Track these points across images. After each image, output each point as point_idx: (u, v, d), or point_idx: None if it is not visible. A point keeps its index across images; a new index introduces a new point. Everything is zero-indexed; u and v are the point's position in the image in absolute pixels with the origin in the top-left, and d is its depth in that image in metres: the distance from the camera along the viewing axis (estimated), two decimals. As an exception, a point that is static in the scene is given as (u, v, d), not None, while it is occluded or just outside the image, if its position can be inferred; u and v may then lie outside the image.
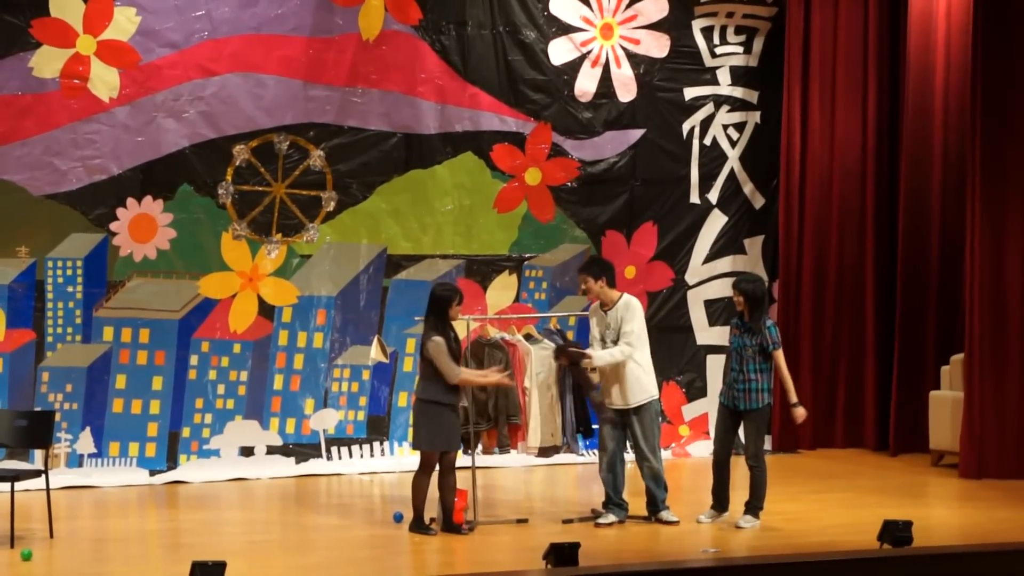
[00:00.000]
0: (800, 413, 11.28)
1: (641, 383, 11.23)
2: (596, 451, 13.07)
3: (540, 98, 14.44)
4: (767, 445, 14.81)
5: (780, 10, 15.10)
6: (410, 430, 11.72)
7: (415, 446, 11.35)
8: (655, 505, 11.36)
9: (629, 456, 11.52)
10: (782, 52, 15.02)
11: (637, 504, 11.45)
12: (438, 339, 10.93)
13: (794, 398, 11.27)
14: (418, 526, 11.05)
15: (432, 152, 14.17)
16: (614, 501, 11.36)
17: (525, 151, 14.43)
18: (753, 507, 11.30)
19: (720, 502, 11.38)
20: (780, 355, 11.24)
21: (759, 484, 11.27)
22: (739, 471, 11.53)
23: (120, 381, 13.35)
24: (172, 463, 13.44)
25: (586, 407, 11.82)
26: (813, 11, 14.98)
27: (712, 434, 11.66)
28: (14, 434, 11.17)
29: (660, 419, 11.48)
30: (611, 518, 11.31)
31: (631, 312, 11.22)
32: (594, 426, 12.02)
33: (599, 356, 11.17)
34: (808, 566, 8.10)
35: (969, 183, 13.52)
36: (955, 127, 14.60)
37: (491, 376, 11.18)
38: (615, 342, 11.20)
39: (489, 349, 11.63)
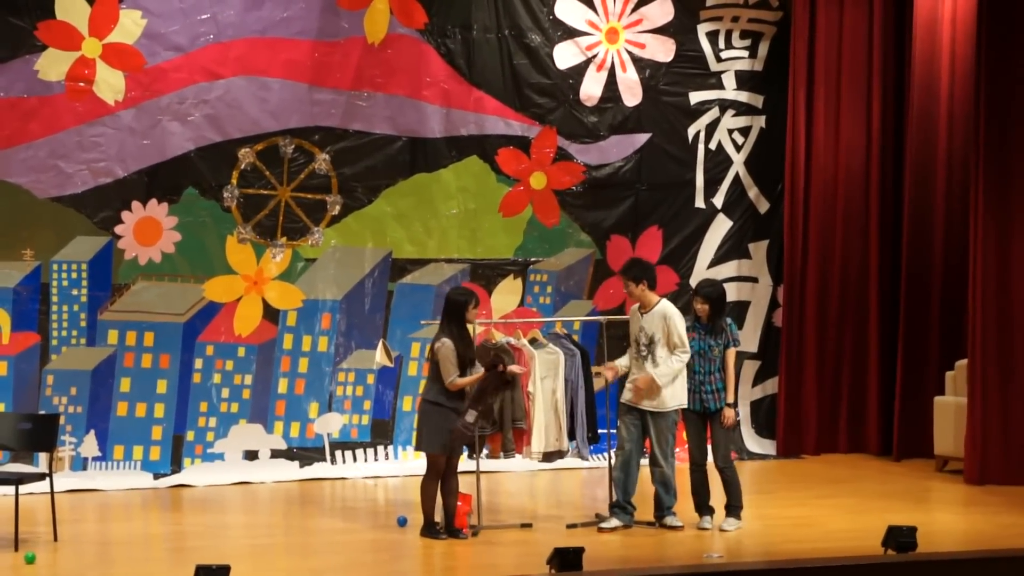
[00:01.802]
0: (730, 415, 11.24)
1: (673, 390, 11.22)
2: (601, 455, 13.09)
3: (545, 102, 14.44)
4: (772, 450, 14.87)
5: (785, 15, 15.10)
6: (414, 433, 11.72)
7: (418, 448, 11.36)
8: (661, 510, 11.35)
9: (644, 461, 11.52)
10: (787, 57, 15.01)
11: (640, 509, 11.43)
12: (447, 341, 10.95)
13: (731, 399, 11.25)
14: (429, 530, 11.06)
15: (437, 156, 14.17)
16: (621, 503, 11.33)
17: (530, 155, 14.43)
18: (735, 508, 11.31)
19: (708, 507, 11.37)
20: (734, 353, 11.29)
21: (734, 485, 11.30)
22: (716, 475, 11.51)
23: (124, 384, 13.36)
24: (176, 466, 13.44)
25: (596, 412, 11.83)
26: (818, 16, 14.97)
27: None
28: (18, 437, 11.18)
29: (675, 427, 11.45)
30: (615, 522, 11.30)
31: (675, 322, 11.20)
32: (600, 431, 12.04)
33: (662, 375, 11.12)
34: (812, 571, 8.09)
35: (973, 188, 13.52)
36: (960, 133, 14.59)
37: (470, 380, 11.07)
38: (648, 346, 11.19)
39: (495, 353, 11.62)
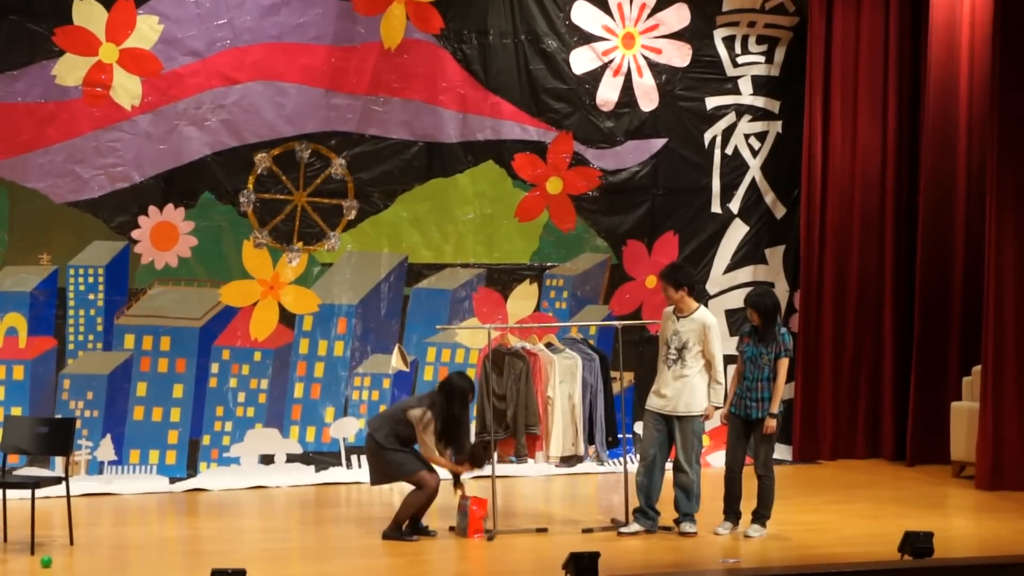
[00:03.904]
0: (771, 425, 11.22)
1: (699, 396, 11.22)
2: (618, 460, 13.08)
3: (562, 107, 14.44)
4: (788, 455, 14.84)
5: (802, 20, 15.08)
6: (373, 473, 11.55)
7: (389, 481, 11.35)
8: (678, 515, 11.32)
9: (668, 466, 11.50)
10: (804, 62, 15.00)
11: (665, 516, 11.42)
12: (429, 413, 11.03)
13: (775, 409, 11.22)
14: (395, 531, 11.09)
15: (453, 161, 14.18)
16: (643, 509, 11.30)
17: (546, 160, 14.43)
18: (761, 516, 11.29)
19: (735, 512, 11.36)
20: (786, 364, 11.24)
21: (768, 493, 11.27)
22: (747, 481, 11.46)
23: (141, 388, 13.38)
24: (192, 471, 13.46)
25: (615, 416, 11.83)
26: (835, 20, 14.96)
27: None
28: (35, 441, 11.19)
29: (702, 434, 11.42)
30: (635, 527, 11.28)
31: (714, 333, 11.21)
32: (620, 436, 12.02)
33: (714, 400, 11.20)
34: (829, 577, 8.10)
35: (989, 192, 13.47)
36: (978, 137, 14.55)
37: (449, 465, 11.21)
38: (679, 350, 11.17)
39: (510, 358, 11.63)
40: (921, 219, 14.75)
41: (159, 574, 10.37)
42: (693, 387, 11.19)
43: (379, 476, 11.29)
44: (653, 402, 11.30)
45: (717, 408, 11.31)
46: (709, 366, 11.22)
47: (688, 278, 11.40)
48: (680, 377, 11.17)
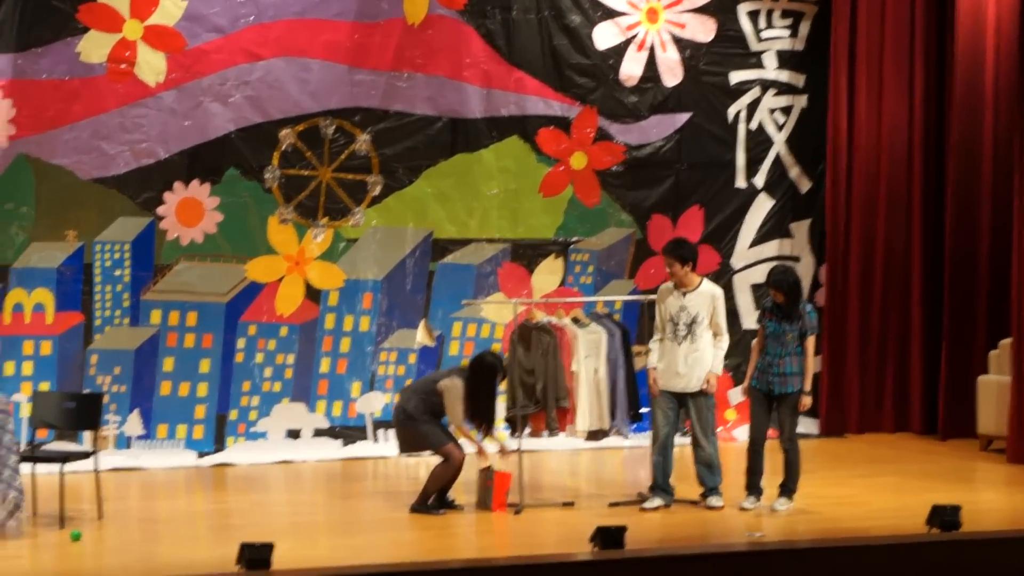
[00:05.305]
0: (807, 402, 11.21)
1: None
2: (645, 434, 13.07)
3: (585, 82, 14.42)
4: (815, 429, 14.82)
5: (827, -7, 15.05)
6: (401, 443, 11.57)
7: (420, 449, 11.39)
8: (704, 490, 11.32)
9: (681, 441, 11.48)
10: (828, 36, 14.94)
11: (684, 489, 11.41)
12: (458, 382, 11.04)
13: (808, 387, 11.20)
14: (421, 505, 11.12)
15: (478, 136, 14.18)
16: (660, 485, 11.32)
17: (571, 135, 14.42)
18: (788, 489, 11.27)
19: (758, 487, 11.34)
20: (813, 341, 11.21)
21: (794, 466, 11.24)
22: (773, 455, 11.44)
23: (168, 364, 13.42)
24: (219, 445, 13.51)
25: (637, 390, 11.82)
26: (860, -6, 14.92)
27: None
28: (63, 416, 11.24)
29: (715, 405, 11.42)
30: (657, 502, 11.28)
31: (721, 303, 11.21)
32: (643, 410, 12.02)
33: (716, 369, 11.18)
34: (856, 550, 8.09)
35: (1018, 165, 13.41)
36: (1005, 109, 14.46)
37: (475, 444, 11.24)
38: (689, 325, 11.16)
39: (536, 333, 11.64)
40: (948, 192, 14.70)
41: (187, 548, 10.40)
42: (704, 362, 11.18)
43: (407, 445, 11.33)
44: (668, 382, 11.23)
45: (718, 376, 11.25)
46: (716, 336, 11.19)
47: (693, 252, 11.35)
48: (692, 353, 11.15)
